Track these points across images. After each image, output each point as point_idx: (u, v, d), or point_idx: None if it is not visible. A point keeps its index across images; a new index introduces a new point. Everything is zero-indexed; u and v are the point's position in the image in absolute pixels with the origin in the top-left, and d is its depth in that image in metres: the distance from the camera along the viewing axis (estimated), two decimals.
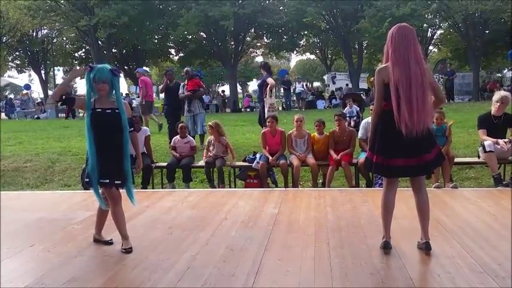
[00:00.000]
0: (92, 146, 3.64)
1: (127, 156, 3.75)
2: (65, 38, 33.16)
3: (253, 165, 6.95)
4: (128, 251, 3.76)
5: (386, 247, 3.58)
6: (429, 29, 29.51)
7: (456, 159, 6.68)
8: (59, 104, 3.86)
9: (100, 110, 3.69)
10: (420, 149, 3.39)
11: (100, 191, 3.79)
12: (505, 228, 4.13)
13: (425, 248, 3.52)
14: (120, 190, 3.83)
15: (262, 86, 9.15)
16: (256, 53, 37.28)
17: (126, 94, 28.82)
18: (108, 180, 3.72)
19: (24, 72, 39.23)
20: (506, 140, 6.20)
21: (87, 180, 3.76)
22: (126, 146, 3.75)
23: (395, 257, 3.50)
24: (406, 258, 3.46)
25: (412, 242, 3.71)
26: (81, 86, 42.05)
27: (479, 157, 6.52)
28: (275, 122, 7.15)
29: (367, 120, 6.84)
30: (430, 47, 32.23)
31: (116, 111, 3.71)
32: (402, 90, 3.28)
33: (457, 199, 5.45)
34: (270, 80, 9.01)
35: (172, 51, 33.44)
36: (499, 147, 6.13)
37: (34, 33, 32.44)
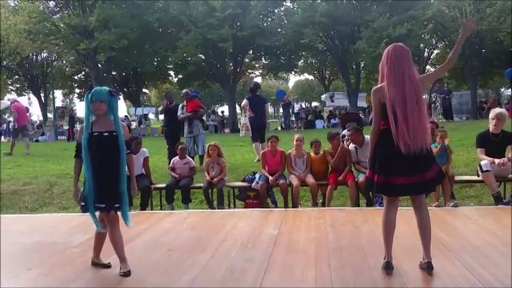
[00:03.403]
0: (89, 169, 3.63)
1: (123, 178, 3.73)
2: (64, 61, 33.47)
3: (253, 185, 6.92)
4: (126, 274, 3.72)
5: (388, 267, 3.55)
6: (426, 49, 29.83)
7: (456, 178, 6.66)
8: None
9: (97, 133, 3.67)
10: (420, 167, 3.39)
11: (97, 213, 3.76)
12: (506, 246, 4.09)
13: (427, 267, 3.48)
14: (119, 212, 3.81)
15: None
16: (255, 74, 37.60)
17: (125, 116, 28.93)
18: (104, 205, 3.69)
19: (24, 95, 39.40)
20: (504, 159, 6.18)
21: (83, 204, 3.74)
22: (122, 167, 3.72)
23: (397, 277, 3.47)
24: (408, 278, 3.42)
25: (414, 261, 3.68)
26: (79, 109, 42.12)
27: (478, 175, 6.51)
28: (277, 142, 7.15)
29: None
30: (428, 67, 32.50)
31: (114, 134, 3.69)
32: (398, 109, 3.30)
33: (458, 218, 5.42)
34: (243, 102, 9.78)
35: (172, 73, 33.76)
36: (495, 166, 6.12)
37: (34, 57, 32.73)
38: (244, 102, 9.81)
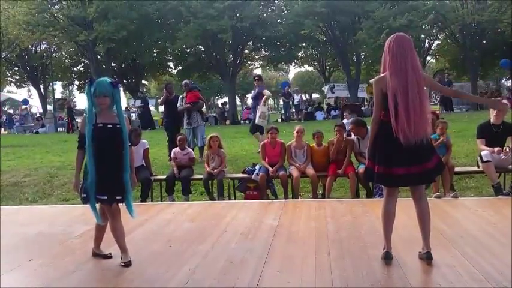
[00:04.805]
0: (92, 160, 3.61)
1: (126, 169, 3.72)
2: (63, 53, 33.35)
3: (253, 176, 6.93)
4: (127, 264, 3.73)
5: (387, 257, 3.56)
6: (426, 40, 29.74)
7: (456, 169, 6.66)
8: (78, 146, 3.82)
9: (101, 125, 3.66)
10: (421, 158, 3.38)
11: (98, 205, 3.76)
12: (506, 236, 4.10)
13: (426, 257, 3.50)
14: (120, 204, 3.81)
15: (258, 97, 9.74)
16: (255, 65, 37.50)
17: (126, 108, 28.81)
18: (106, 197, 3.69)
19: (23, 87, 39.48)
20: (506, 148, 6.19)
21: (84, 195, 3.73)
22: (126, 159, 3.71)
23: (396, 267, 3.48)
24: (407, 268, 3.44)
25: (413, 251, 3.69)
26: (80, 100, 42.09)
27: (478, 166, 6.51)
28: (277, 133, 7.14)
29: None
30: (428, 58, 32.45)
31: (117, 126, 3.68)
32: (400, 99, 3.29)
33: (458, 208, 5.43)
34: (266, 92, 9.69)
35: (171, 64, 33.61)
36: (496, 156, 6.13)
37: (33, 49, 32.61)
38: (268, 92, 9.90)
